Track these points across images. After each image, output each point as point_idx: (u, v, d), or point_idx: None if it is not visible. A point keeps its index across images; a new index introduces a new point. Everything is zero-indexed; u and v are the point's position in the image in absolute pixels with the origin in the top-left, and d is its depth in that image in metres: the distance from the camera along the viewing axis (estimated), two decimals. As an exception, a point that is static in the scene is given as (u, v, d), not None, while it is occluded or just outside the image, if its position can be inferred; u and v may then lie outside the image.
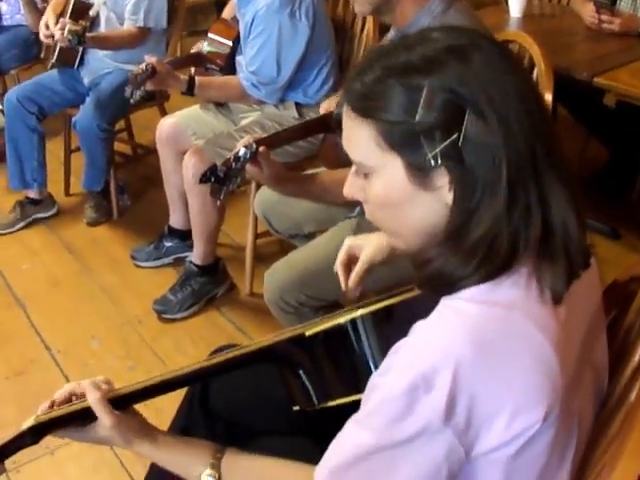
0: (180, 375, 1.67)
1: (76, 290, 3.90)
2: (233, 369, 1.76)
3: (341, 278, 1.94)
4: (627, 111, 3.95)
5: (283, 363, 1.69)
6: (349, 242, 1.96)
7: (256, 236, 3.66)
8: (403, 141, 1.20)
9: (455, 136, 1.16)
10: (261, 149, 2.33)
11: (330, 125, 2.64)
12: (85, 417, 1.56)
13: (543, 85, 2.81)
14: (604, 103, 4.28)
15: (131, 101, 3.16)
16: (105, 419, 1.53)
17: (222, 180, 2.32)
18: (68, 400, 1.62)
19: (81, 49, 4.17)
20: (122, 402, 1.59)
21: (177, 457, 1.58)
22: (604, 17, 3.87)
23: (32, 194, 4.43)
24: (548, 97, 2.77)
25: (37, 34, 4.43)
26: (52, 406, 1.62)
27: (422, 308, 1.27)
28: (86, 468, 2.82)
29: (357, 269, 1.91)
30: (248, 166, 2.34)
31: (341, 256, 1.95)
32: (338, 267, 1.95)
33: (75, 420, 1.58)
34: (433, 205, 1.23)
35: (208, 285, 3.69)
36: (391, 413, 1.18)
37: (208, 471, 1.50)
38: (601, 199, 4.14)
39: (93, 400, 1.54)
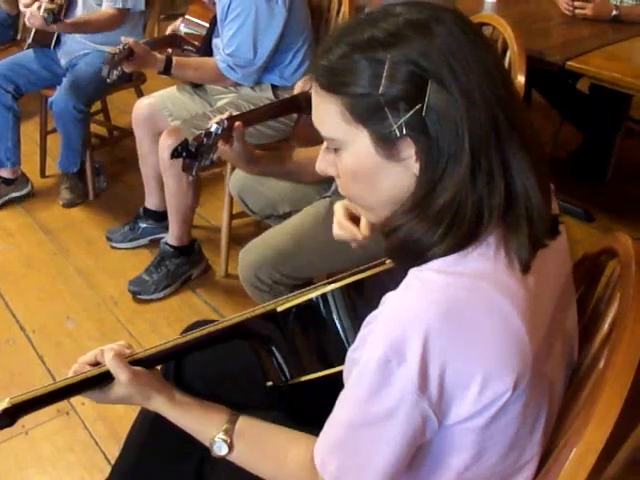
0: (155, 352, 1.69)
1: (51, 271, 3.89)
2: (206, 346, 1.77)
3: (349, 233, 1.86)
4: (600, 96, 4.00)
5: (255, 339, 1.71)
6: (341, 204, 1.92)
7: (231, 217, 3.66)
8: (369, 113, 1.22)
9: (419, 106, 1.18)
10: (237, 124, 2.32)
11: (303, 105, 2.66)
12: (102, 381, 1.60)
13: (516, 67, 2.84)
14: (577, 88, 4.33)
15: (108, 80, 3.15)
16: (121, 375, 1.58)
17: (193, 155, 2.32)
18: (95, 364, 1.65)
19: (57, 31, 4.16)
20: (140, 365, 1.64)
21: (193, 417, 1.62)
22: (577, 3, 3.92)
23: (5, 173, 4.41)
24: (521, 79, 2.80)
25: (13, 16, 4.42)
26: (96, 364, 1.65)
27: (393, 281, 1.29)
28: (61, 447, 2.82)
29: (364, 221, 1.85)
30: (220, 144, 2.34)
31: (338, 217, 1.90)
32: (341, 225, 1.88)
33: (89, 386, 1.61)
34: (401, 176, 1.26)
35: (183, 266, 3.70)
36: (368, 388, 1.21)
37: (221, 435, 1.55)
38: (575, 182, 4.18)
39: (108, 358, 1.59)
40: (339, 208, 1.92)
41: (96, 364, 1.64)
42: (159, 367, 1.81)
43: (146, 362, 1.65)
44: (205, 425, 1.58)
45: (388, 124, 1.20)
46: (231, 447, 1.54)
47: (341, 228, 1.90)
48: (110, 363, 1.58)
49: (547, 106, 4.50)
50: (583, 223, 4.03)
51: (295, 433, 1.53)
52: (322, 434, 1.34)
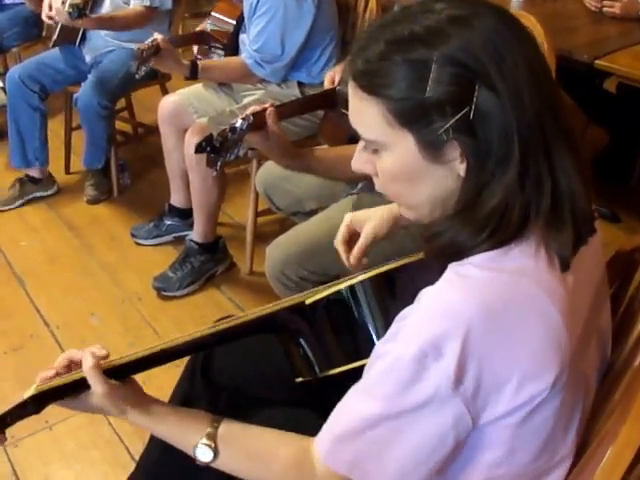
0: (180, 344, 1.63)
1: (76, 267, 3.91)
2: (234, 338, 1.74)
3: (342, 254, 1.90)
4: (627, 96, 3.97)
5: (284, 332, 1.68)
6: (349, 217, 1.92)
7: (256, 214, 3.66)
8: (414, 117, 1.19)
9: (466, 109, 1.15)
10: (269, 109, 2.31)
11: (332, 101, 2.64)
12: (82, 386, 1.53)
13: (546, 65, 2.82)
14: (604, 88, 4.29)
15: (136, 76, 3.13)
16: (97, 387, 1.49)
17: (218, 150, 2.30)
18: (68, 367, 1.58)
19: (82, 27, 4.17)
20: (119, 372, 1.56)
21: (173, 427, 1.55)
22: (605, 2, 3.89)
23: (33, 173, 4.44)
24: (551, 77, 2.78)
25: (37, 14, 4.42)
26: (55, 375, 1.57)
27: (424, 273, 1.28)
28: (84, 443, 2.83)
29: (360, 244, 1.87)
30: (253, 135, 2.32)
31: (341, 232, 1.91)
32: (338, 243, 1.90)
33: (73, 389, 1.55)
34: (445, 177, 1.23)
35: (208, 263, 3.70)
36: (399, 381, 1.19)
37: (204, 440, 1.47)
38: (601, 183, 4.14)
39: (86, 368, 1.50)
40: (343, 225, 1.91)
41: (69, 368, 1.58)
42: (187, 359, 1.81)
43: (125, 370, 1.59)
44: (186, 432, 1.51)
45: (434, 128, 1.17)
46: (216, 452, 1.47)
47: (337, 246, 1.90)
48: (87, 374, 1.50)
49: (574, 105, 4.46)
50: (609, 224, 4.00)
51: (283, 433, 1.48)
52: (327, 426, 1.31)
